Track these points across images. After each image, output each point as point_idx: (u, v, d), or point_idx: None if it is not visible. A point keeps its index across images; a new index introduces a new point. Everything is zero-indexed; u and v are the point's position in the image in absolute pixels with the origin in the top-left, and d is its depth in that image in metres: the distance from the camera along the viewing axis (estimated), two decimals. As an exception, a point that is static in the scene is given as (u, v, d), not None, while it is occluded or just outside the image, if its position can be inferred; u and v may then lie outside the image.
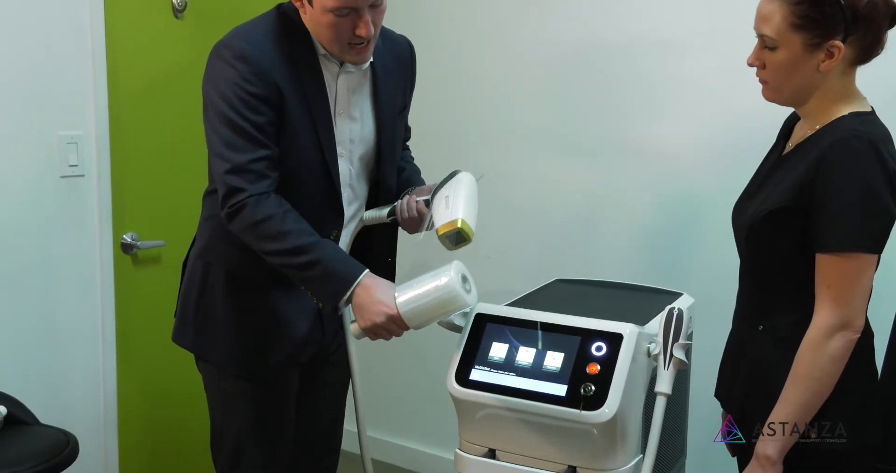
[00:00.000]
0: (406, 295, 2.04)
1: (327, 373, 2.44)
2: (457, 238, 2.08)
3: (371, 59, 2.20)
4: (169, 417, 3.22)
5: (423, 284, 2.04)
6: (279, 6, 2.18)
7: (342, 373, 2.48)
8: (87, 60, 2.80)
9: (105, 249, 2.89)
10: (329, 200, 2.20)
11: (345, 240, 2.30)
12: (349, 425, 2.51)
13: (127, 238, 2.99)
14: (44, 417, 2.49)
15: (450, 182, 2.18)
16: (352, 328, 2.11)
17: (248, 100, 2.03)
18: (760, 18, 1.84)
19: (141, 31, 2.99)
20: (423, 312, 2.04)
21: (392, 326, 2.06)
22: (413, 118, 2.51)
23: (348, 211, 2.26)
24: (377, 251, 2.36)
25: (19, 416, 2.41)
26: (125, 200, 2.97)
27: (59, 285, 2.80)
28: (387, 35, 2.30)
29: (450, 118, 3.39)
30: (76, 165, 2.79)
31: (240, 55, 2.05)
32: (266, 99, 2.05)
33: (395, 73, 2.30)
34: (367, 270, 2.08)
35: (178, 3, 3.07)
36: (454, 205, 2.10)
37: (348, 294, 2.05)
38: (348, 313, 2.34)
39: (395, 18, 2.73)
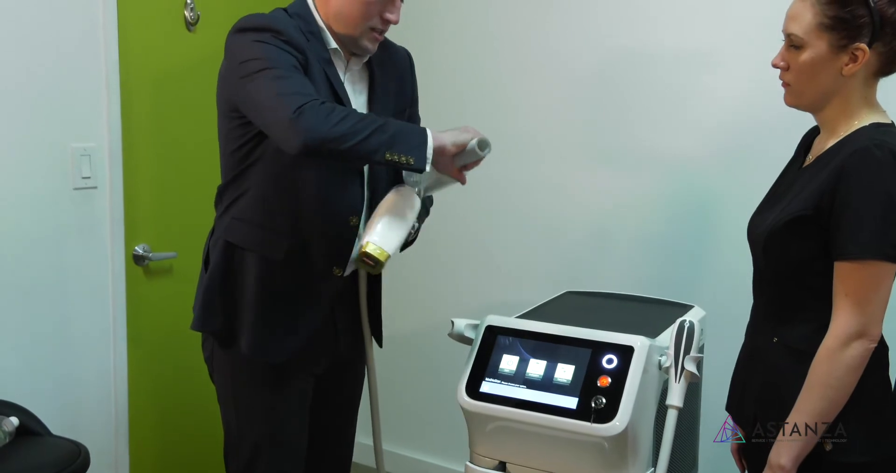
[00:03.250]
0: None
1: (341, 386, 2.44)
2: (370, 260, 2.11)
3: (369, 55, 2.26)
4: (181, 428, 3.21)
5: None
6: (283, 10, 2.21)
7: (356, 387, 2.49)
8: (101, 73, 2.80)
9: (117, 261, 2.90)
10: (352, 184, 2.22)
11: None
12: (363, 438, 2.50)
13: (139, 249, 2.99)
14: (55, 428, 2.49)
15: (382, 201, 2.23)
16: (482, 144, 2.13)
17: (281, 51, 2.06)
18: (790, 18, 1.86)
19: (154, 43, 3.00)
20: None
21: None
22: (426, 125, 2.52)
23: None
24: None
25: (31, 427, 2.41)
26: (137, 212, 2.97)
27: (71, 296, 2.80)
28: (386, 44, 2.34)
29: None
30: (89, 177, 2.80)
31: (264, 26, 2.08)
32: (295, 56, 2.07)
33: (391, 76, 2.34)
34: None
35: (190, 17, 3.08)
36: (368, 229, 2.15)
37: (429, 130, 2.07)
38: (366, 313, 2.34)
39: (410, 28, 2.73)
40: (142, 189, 2.99)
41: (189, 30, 3.10)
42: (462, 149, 2.11)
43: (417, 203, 2.23)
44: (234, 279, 2.24)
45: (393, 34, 2.30)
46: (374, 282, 2.40)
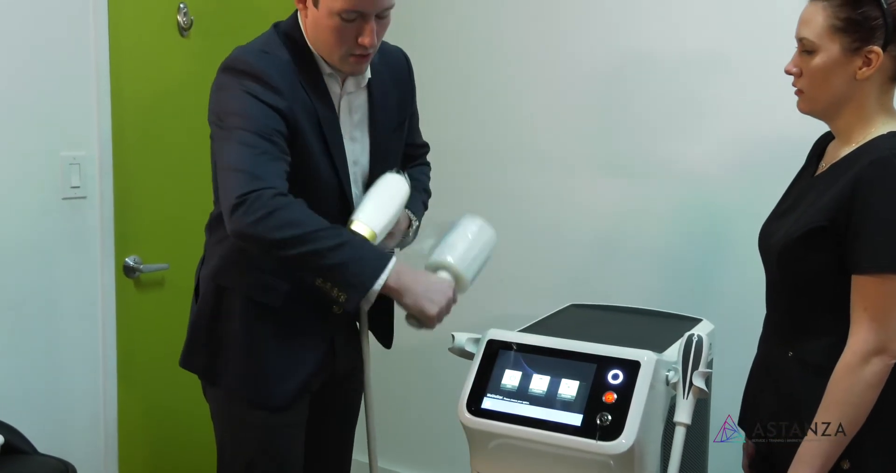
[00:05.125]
0: (453, 253, 2.12)
1: (338, 401, 2.40)
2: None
3: (369, 76, 2.21)
4: (172, 446, 3.17)
5: (459, 239, 2.15)
6: (276, 26, 2.17)
7: (353, 401, 2.45)
8: (91, 80, 2.77)
9: (107, 272, 2.86)
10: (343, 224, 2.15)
11: None
12: (360, 456, 2.45)
13: (129, 261, 2.95)
14: (42, 446, 2.43)
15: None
16: (411, 321, 2.09)
17: (263, 108, 1.99)
18: (802, 22, 1.85)
19: (146, 49, 2.96)
20: (476, 261, 2.14)
21: (451, 302, 2.07)
22: (428, 136, 2.50)
23: None
24: None
25: (16, 445, 2.35)
26: (128, 223, 2.93)
27: (59, 309, 2.76)
28: (381, 47, 2.28)
29: (465, 135, 3.37)
30: (78, 187, 2.76)
31: (250, 71, 2.02)
32: (279, 111, 2.01)
33: (391, 89, 2.29)
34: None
35: (183, 22, 3.04)
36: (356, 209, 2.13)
37: (387, 271, 1.97)
38: (366, 330, 2.28)
39: (413, 33, 2.71)
40: (133, 198, 2.96)
41: (182, 35, 3.06)
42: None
43: (406, 188, 2.20)
44: (223, 323, 2.20)
45: (396, 37, 2.26)
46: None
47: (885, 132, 1.82)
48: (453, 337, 2.20)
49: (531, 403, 2.03)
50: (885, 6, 1.76)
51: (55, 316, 2.75)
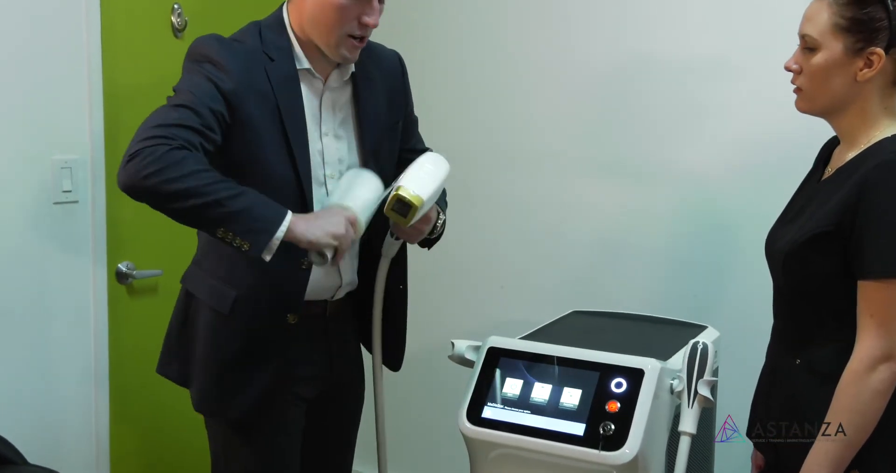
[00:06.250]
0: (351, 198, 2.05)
1: (337, 410, 2.38)
2: (398, 205, 2.01)
3: (352, 70, 2.18)
4: (165, 457, 3.14)
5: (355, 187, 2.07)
6: (257, 24, 2.15)
7: (354, 410, 2.44)
8: (83, 82, 2.74)
9: (99, 278, 2.82)
10: None
11: (347, 267, 2.22)
12: (360, 465, 2.42)
13: (122, 267, 2.92)
14: (32, 455, 2.39)
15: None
16: (316, 259, 1.97)
17: (205, 85, 1.97)
18: (806, 19, 1.85)
19: (139, 51, 2.94)
20: (367, 203, 2.04)
21: (349, 228, 1.96)
22: (430, 138, 2.46)
23: None
24: (388, 279, 2.29)
25: (5, 455, 2.31)
26: (121, 228, 2.90)
27: (50, 316, 2.73)
28: (373, 49, 2.25)
29: (467, 138, 3.36)
30: (70, 191, 2.72)
31: (207, 55, 2.01)
32: (222, 91, 1.97)
33: (380, 87, 2.25)
34: None
35: (177, 23, 3.01)
36: (401, 177, 2.07)
37: (288, 216, 1.88)
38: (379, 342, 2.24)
39: (415, 35, 2.67)
40: (125, 203, 2.85)
41: (176, 36, 3.03)
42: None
43: (447, 167, 2.17)
44: (189, 329, 2.19)
45: (398, 38, 2.22)
46: (397, 301, 2.33)
47: (889, 134, 1.81)
48: (453, 344, 2.19)
49: (532, 412, 2.01)
50: (890, 8, 1.76)
51: (46, 323, 2.71)
